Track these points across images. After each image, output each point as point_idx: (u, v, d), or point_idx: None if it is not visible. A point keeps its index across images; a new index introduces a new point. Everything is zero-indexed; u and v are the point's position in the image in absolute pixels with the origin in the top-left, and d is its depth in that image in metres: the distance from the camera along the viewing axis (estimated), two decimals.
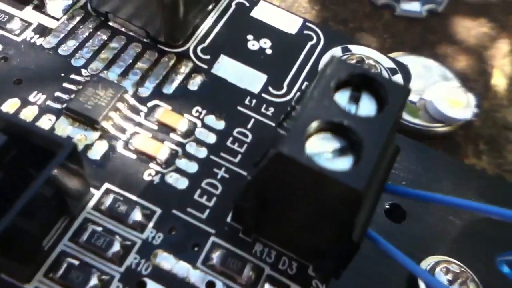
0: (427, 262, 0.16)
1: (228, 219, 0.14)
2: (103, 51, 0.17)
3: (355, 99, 0.11)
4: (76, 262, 0.13)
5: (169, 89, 0.16)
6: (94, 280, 0.12)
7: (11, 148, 0.11)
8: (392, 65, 0.18)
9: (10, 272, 0.12)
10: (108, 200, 0.14)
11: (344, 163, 0.10)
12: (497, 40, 0.38)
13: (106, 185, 0.14)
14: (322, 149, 0.10)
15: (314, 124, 0.10)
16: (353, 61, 0.18)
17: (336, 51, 0.18)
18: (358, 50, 0.19)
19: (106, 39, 0.17)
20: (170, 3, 0.16)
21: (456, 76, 0.34)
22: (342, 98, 0.11)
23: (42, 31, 0.17)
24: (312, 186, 0.10)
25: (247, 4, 0.19)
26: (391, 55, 0.24)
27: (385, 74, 0.18)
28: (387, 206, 0.16)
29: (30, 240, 0.12)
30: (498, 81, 0.36)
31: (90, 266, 0.13)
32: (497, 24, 0.39)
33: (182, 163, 0.15)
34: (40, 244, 0.12)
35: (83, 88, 0.15)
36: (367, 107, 0.11)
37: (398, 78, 0.18)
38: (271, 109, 0.17)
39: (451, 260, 0.15)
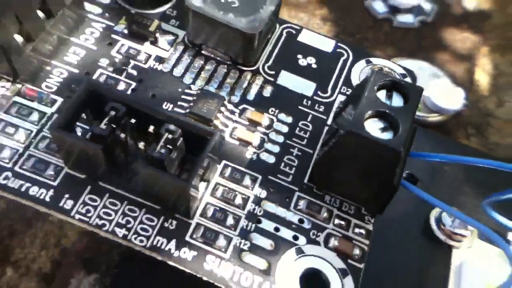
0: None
1: (305, 180, 0.20)
2: (202, 72, 0.22)
3: (389, 96, 0.17)
4: (218, 208, 0.19)
5: (250, 96, 0.22)
6: (230, 220, 0.18)
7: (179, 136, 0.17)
8: (402, 71, 0.24)
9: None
10: (228, 171, 0.20)
11: (387, 136, 0.16)
12: (477, 42, 0.44)
13: (224, 162, 0.20)
14: (373, 127, 0.16)
15: (368, 112, 0.16)
16: (376, 70, 0.24)
17: (362, 63, 0.24)
18: (377, 61, 0.25)
19: (202, 63, 0.23)
20: (250, 38, 0.22)
21: (445, 74, 0.39)
22: (381, 95, 0.17)
23: (160, 59, 0.22)
24: (368, 151, 0.16)
25: (294, 32, 0.25)
26: (393, 59, 0.29)
27: (398, 77, 0.24)
28: (404, 175, 0.22)
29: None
30: (480, 77, 0.41)
31: (226, 211, 0.19)
32: (476, 30, 0.44)
33: (268, 146, 0.21)
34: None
35: (198, 98, 0.21)
36: (397, 101, 0.17)
37: (408, 80, 0.24)
38: (322, 107, 0.22)
39: None
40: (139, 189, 0.18)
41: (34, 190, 0.18)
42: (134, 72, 0.22)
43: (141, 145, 0.18)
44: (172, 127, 0.17)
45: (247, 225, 0.18)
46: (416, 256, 0.21)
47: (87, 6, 0.23)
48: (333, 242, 0.18)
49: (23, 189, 0.18)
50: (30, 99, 0.20)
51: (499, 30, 0.46)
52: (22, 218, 0.28)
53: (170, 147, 0.17)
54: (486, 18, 0.46)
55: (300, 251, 0.18)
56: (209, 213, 0.18)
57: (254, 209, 0.19)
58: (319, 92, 0.23)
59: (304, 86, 0.23)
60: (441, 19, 0.43)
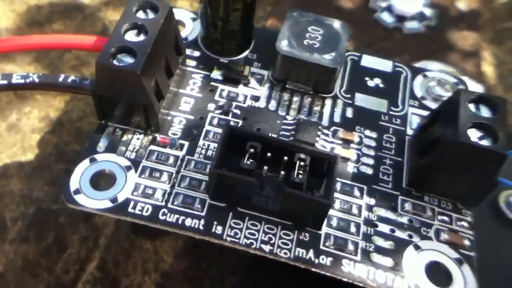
0: None
1: (404, 185, 0.22)
2: (292, 104, 0.24)
3: (477, 108, 0.20)
4: (340, 218, 0.21)
5: (336, 118, 0.24)
6: (352, 227, 0.20)
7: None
8: (454, 80, 0.27)
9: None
10: (339, 186, 0.22)
11: (486, 142, 0.19)
12: (476, 38, 0.46)
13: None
14: (473, 137, 0.19)
15: (468, 124, 0.19)
16: (434, 82, 0.26)
17: (420, 77, 0.27)
18: (432, 74, 0.27)
19: (289, 96, 0.25)
20: (334, 71, 0.24)
21: (457, 71, 0.41)
22: (472, 108, 0.20)
23: (255, 98, 0.24)
24: (474, 157, 0.19)
25: (356, 58, 0.27)
26: (413, 63, 0.30)
27: (452, 84, 0.26)
28: None
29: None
30: (486, 69, 0.44)
31: (347, 220, 0.21)
32: (473, 27, 0.46)
33: (364, 159, 0.23)
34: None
35: (297, 126, 0.23)
36: (485, 112, 0.20)
37: (461, 86, 0.26)
38: (398, 120, 0.24)
39: None
40: (276, 210, 0.20)
41: (188, 222, 0.20)
42: (238, 112, 0.24)
43: (281, 173, 0.20)
44: (302, 155, 0.19)
45: (367, 230, 0.21)
46: (494, 236, 0.23)
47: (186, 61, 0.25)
48: (443, 235, 0.20)
49: (179, 221, 0.20)
50: (163, 146, 0.22)
51: (490, 23, 0.48)
52: (122, 249, 0.29)
53: (302, 172, 0.19)
54: (478, 16, 0.48)
55: (417, 247, 0.20)
56: (334, 223, 0.21)
57: (368, 215, 0.21)
58: (392, 108, 0.25)
59: (378, 104, 0.25)
60: (442, 22, 0.46)
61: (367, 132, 0.23)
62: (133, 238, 0.30)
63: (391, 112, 0.24)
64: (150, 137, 0.22)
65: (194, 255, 0.29)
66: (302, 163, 0.18)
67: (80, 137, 0.34)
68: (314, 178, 0.20)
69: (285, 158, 0.19)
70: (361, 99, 0.24)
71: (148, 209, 0.19)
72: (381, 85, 0.26)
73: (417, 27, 0.45)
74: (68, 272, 0.28)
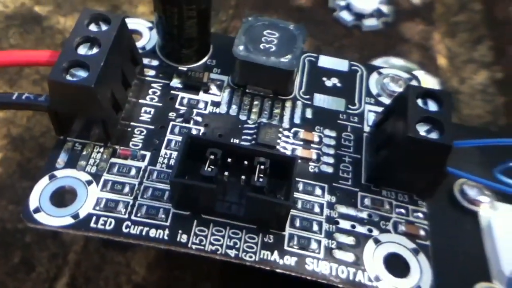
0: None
1: (363, 181, 0.23)
2: (253, 108, 0.25)
3: (424, 103, 0.20)
4: (302, 218, 0.21)
5: (297, 120, 0.24)
6: (314, 226, 0.21)
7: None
8: (408, 75, 0.27)
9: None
10: (301, 186, 0.22)
11: (434, 135, 0.19)
12: (431, 32, 0.47)
13: (296, 178, 0.22)
14: (421, 130, 0.19)
15: (418, 118, 0.19)
16: (388, 78, 0.27)
17: (374, 75, 0.27)
18: (386, 71, 0.27)
19: (250, 100, 0.25)
20: (291, 74, 0.24)
21: (415, 65, 0.42)
22: (420, 103, 0.20)
23: (216, 104, 0.24)
24: (424, 150, 0.19)
25: (313, 59, 0.28)
26: (373, 62, 0.30)
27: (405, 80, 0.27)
28: None
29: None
30: (441, 61, 0.45)
31: (309, 219, 0.21)
32: (427, 21, 0.48)
33: (324, 158, 0.23)
34: None
35: (258, 130, 0.23)
36: (432, 106, 0.20)
37: (414, 82, 0.27)
38: (356, 118, 0.25)
39: None
40: (240, 214, 0.20)
41: (153, 232, 0.20)
42: (199, 119, 0.24)
43: (242, 178, 0.20)
44: (262, 159, 0.19)
45: (329, 227, 0.21)
46: (449, 224, 0.24)
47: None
48: (401, 227, 0.21)
49: (144, 233, 0.20)
50: (124, 158, 0.22)
51: (443, 17, 0.50)
52: (93, 264, 0.28)
53: (262, 175, 0.19)
54: (432, 9, 0.50)
55: (377, 241, 0.21)
56: (297, 223, 0.21)
57: (330, 213, 0.21)
58: (349, 106, 0.25)
59: (336, 103, 0.25)
60: (398, 18, 0.46)
61: (327, 132, 0.23)
62: (103, 252, 0.29)
63: (348, 111, 0.24)
64: (111, 149, 0.21)
65: (167, 265, 0.29)
66: (262, 167, 0.18)
67: (43, 153, 0.33)
68: (275, 180, 0.20)
69: (246, 162, 0.19)
70: (319, 99, 0.25)
71: (111, 223, 0.19)
72: (339, 85, 0.26)
73: (376, 24, 0.46)
74: None
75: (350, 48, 0.45)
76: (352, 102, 0.25)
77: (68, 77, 0.19)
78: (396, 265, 0.20)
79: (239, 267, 0.21)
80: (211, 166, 0.19)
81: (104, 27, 0.21)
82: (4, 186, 0.31)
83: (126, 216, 0.19)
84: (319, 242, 0.20)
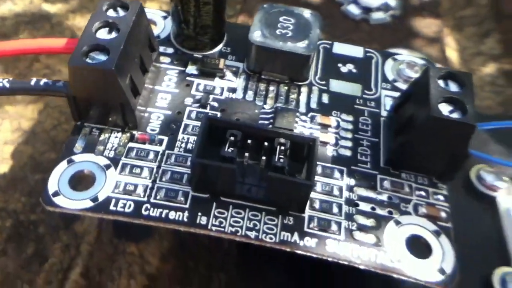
0: None
1: (381, 164, 0.23)
2: (269, 93, 0.25)
3: (445, 84, 0.20)
4: (322, 200, 0.21)
5: (313, 105, 0.24)
6: (334, 208, 0.21)
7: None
8: (423, 61, 0.27)
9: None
10: (320, 169, 0.22)
11: (457, 115, 0.19)
12: (439, 25, 0.47)
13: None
14: (445, 111, 0.19)
15: (439, 99, 0.19)
16: (404, 64, 0.27)
17: (390, 61, 0.27)
18: (401, 57, 0.27)
19: (266, 85, 0.25)
20: (307, 59, 0.24)
21: (424, 57, 0.42)
22: (442, 84, 0.20)
23: (232, 90, 0.24)
24: (448, 130, 0.19)
25: (328, 46, 0.28)
26: None
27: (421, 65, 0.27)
28: None
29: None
30: (450, 54, 0.45)
31: (328, 201, 0.21)
32: (435, 15, 0.48)
33: (342, 142, 0.23)
34: None
35: (275, 115, 0.23)
36: (453, 87, 0.20)
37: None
38: (372, 103, 0.25)
39: None
40: (259, 196, 0.20)
41: (172, 215, 0.20)
42: (216, 104, 0.24)
43: (262, 160, 0.20)
44: (282, 140, 0.19)
45: (349, 210, 0.21)
46: (467, 209, 0.24)
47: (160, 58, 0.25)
48: (421, 209, 0.21)
49: (163, 215, 0.20)
50: (142, 142, 0.22)
51: (451, 12, 0.50)
52: (106, 255, 0.28)
53: (283, 156, 0.19)
54: (438, 4, 0.50)
55: (398, 222, 0.21)
56: (316, 206, 0.21)
57: (349, 195, 0.21)
58: (366, 91, 0.25)
59: (352, 89, 0.25)
60: (406, 11, 0.47)
61: (344, 116, 0.23)
62: (116, 243, 0.29)
63: (365, 96, 0.24)
64: (128, 134, 0.21)
65: (180, 255, 0.29)
66: (282, 148, 0.18)
67: (55, 146, 0.33)
68: (295, 163, 0.20)
69: (266, 144, 0.19)
70: (335, 85, 0.25)
71: (130, 206, 0.19)
72: (354, 71, 0.26)
73: (383, 17, 0.46)
74: (50, 282, 0.27)
75: (358, 42, 0.45)
76: (368, 88, 0.25)
77: (88, 60, 0.20)
78: (417, 247, 0.20)
79: (254, 258, 0.21)
80: (231, 148, 0.19)
81: (122, 13, 0.22)
82: (16, 178, 0.31)
83: (145, 199, 0.19)
84: (339, 223, 0.20)
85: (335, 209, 0.21)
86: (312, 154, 0.19)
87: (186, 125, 0.22)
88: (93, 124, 0.21)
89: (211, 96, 0.24)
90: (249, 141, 0.20)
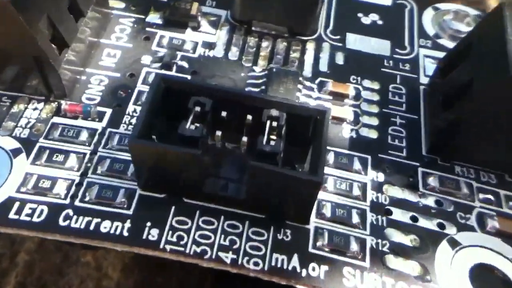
0: None
1: (423, 152, 0.15)
2: (261, 51, 0.18)
3: None
4: (335, 204, 0.14)
5: (323, 67, 0.18)
6: (354, 216, 0.14)
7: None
8: (476, 12, 0.20)
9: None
10: (331, 157, 0.15)
11: None
12: None
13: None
14: None
15: None
16: (450, 15, 0.19)
17: (429, 11, 0.20)
18: (445, 6, 0.20)
19: (257, 41, 0.18)
20: (316, 7, 0.17)
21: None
22: None
23: (209, 45, 0.18)
24: None
25: None
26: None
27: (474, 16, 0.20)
28: None
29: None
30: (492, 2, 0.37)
31: (346, 206, 0.14)
32: None
33: (365, 119, 0.16)
34: None
35: (269, 79, 0.17)
36: None
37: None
38: (407, 65, 0.18)
39: None
40: (240, 197, 0.13)
41: (106, 226, 0.13)
42: (185, 64, 0.18)
43: (243, 142, 0.13)
44: (275, 112, 0.12)
45: (376, 220, 0.14)
46: None
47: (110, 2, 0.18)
48: (491, 223, 0.14)
49: (91, 227, 0.13)
50: (73, 117, 0.15)
51: None
52: (51, 266, 0.23)
53: (274, 137, 0.12)
54: None
55: (454, 243, 0.13)
56: (327, 212, 0.14)
57: (377, 197, 0.14)
58: (397, 50, 0.19)
59: (378, 46, 0.19)
60: None
61: (366, 83, 0.18)
62: (66, 250, 0.23)
63: (396, 56, 0.19)
64: (54, 105, 0.15)
65: (147, 267, 0.23)
66: (274, 124, 0.12)
67: None
68: (294, 148, 0.13)
69: (249, 118, 0.12)
70: (354, 41, 0.19)
71: (42, 213, 0.13)
72: (380, 22, 0.20)
73: None
74: None
75: None
76: (400, 45, 0.19)
77: None
78: (488, 282, 0.13)
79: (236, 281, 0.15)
80: (195, 123, 0.12)
81: None
82: None
83: (67, 201, 0.14)
84: (362, 241, 0.13)
85: (356, 219, 0.14)
86: (321, 134, 0.12)
87: (140, 93, 0.17)
88: (3, 90, 0.15)
89: (179, 54, 0.18)
90: (223, 114, 0.13)
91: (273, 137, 0.12)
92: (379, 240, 0.14)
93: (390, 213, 0.14)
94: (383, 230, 0.14)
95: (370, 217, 0.14)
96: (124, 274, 0.22)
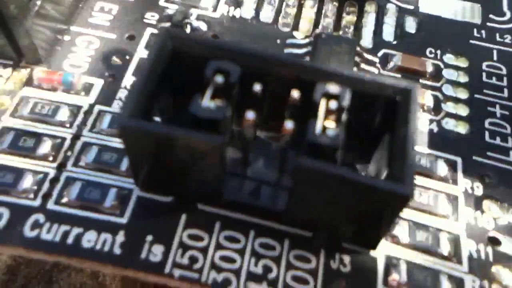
0: None
1: None
2: (302, 12, 0.16)
3: None
4: (412, 224, 0.12)
5: (387, 36, 0.16)
6: (430, 240, 0.12)
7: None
8: None
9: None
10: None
11: None
12: None
13: None
14: None
15: None
16: None
17: None
18: None
19: None
20: None
21: None
22: None
23: (235, 2, 0.16)
24: None
25: None
26: None
27: None
28: None
29: None
30: None
31: (423, 226, 0.12)
32: None
33: (449, 107, 0.14)
34: None
35: (315, 46, 0.15)
36: None
37: None
38: (507, 36, 0.16)
39: None
40: (278, 207, 0.11)
41: (90, 239, 0.11)
42: (202, 26, 0.16)
43: (287, 128, 0.10)
44: (333, 88, 0.10)
45: (477, 251, 0.12)
46: None
47: None
48: None
49: (69, 239, 0.12)
50: (51, 89, 0.14)
51: None
52: (38, 273, 0.22)
53: (332, 124, 0.10)
54: None
55: None
56: (403, 234, 0.12)
57: (475, 218, 0.12)
58: (491, 16, 0.17)
59: (464, 10, 0.17)
60: None
61: (449, 58, 0.16)
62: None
63: (490, 24, 0.17)
64: (25, 72, 0.13)
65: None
66: (333, 105, 0.10)
67: None
68: (353, 141, 0.11)
69: (294, 94, 0.10)
70: (431, 3, 0.17)
71: (1, 217, 0.12)
72: None
73: None
74: None
75: None
76: (495, 10, 0.17)
77: None
78: None
79: None
80: (215, 100, 0.10)
81: None
82: None
83: (37, 202, 0.12)
84: (458, 282, 0.11)
85: (446, 247, 0.11)
86: (405, 122, 0.10)
87: (142, 61, 0.15)
88: None
89: (194, 12, 0.16)
90: (256, 88, 0.10)
91: (330, 123, 0.10)
92: (485, 283, 0.11)
93: (499, 243, 0.12)
94: (490, 268, 0.11)
95: (468, 246, 0.11)
96: (122, 283, 0.21)
